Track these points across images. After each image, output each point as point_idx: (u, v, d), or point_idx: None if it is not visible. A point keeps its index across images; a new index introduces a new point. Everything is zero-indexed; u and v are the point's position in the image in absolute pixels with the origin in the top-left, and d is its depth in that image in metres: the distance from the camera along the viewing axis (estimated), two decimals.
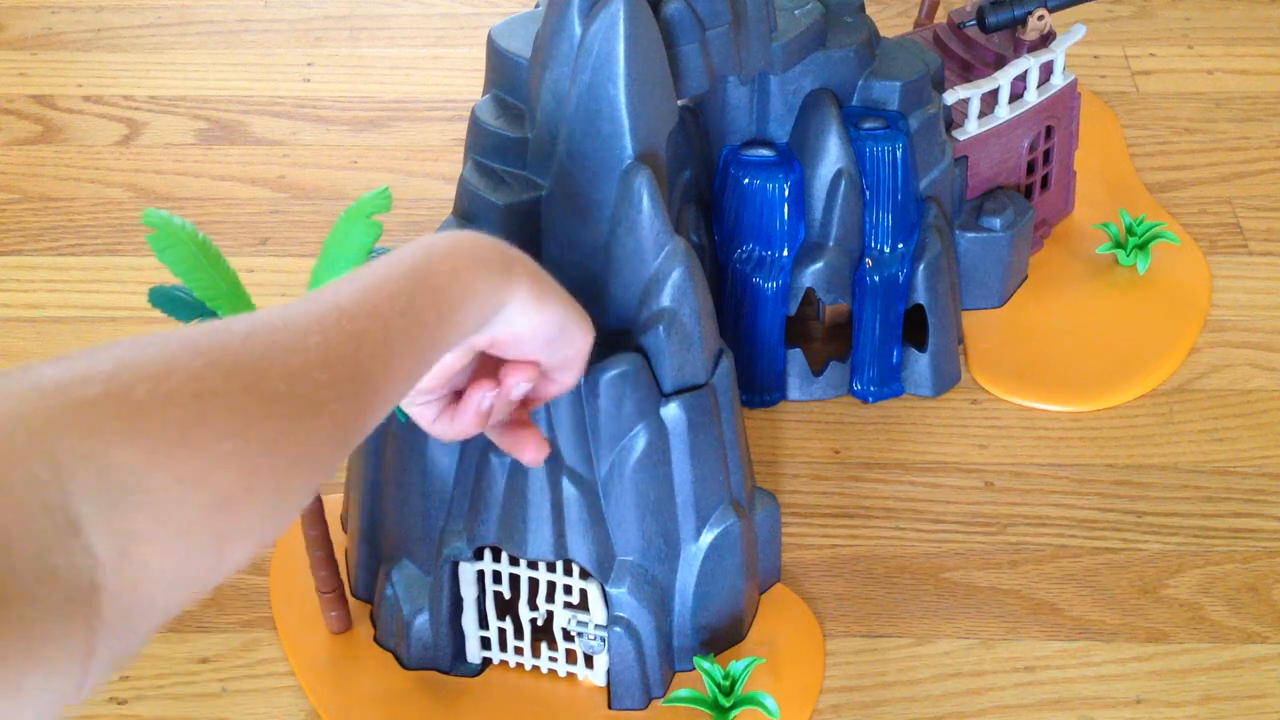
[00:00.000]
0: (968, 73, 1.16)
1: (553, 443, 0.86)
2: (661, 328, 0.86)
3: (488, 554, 0.90)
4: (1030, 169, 1.18)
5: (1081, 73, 1.33)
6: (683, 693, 0.90)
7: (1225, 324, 1.16)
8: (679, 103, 0.93)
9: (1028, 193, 1.19)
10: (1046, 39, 1.16)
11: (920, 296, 1.09)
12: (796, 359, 1.10)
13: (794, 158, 1.06)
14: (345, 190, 1.29)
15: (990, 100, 1.13)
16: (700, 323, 0.88)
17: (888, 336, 1.09)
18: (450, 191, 1.29)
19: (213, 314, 0.86)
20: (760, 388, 1.10)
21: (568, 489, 0.87)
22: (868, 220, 1.06)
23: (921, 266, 1.08)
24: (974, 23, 1.16)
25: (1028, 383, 1.12)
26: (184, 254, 0.85)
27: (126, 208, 1.27)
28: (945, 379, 1.11)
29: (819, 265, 1.06)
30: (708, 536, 0.90)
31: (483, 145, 0.92)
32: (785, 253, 1.06)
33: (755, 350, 1.09)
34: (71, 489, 0.46)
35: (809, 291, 1.07)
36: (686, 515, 0.90)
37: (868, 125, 1.05)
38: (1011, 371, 1.13)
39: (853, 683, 0.94)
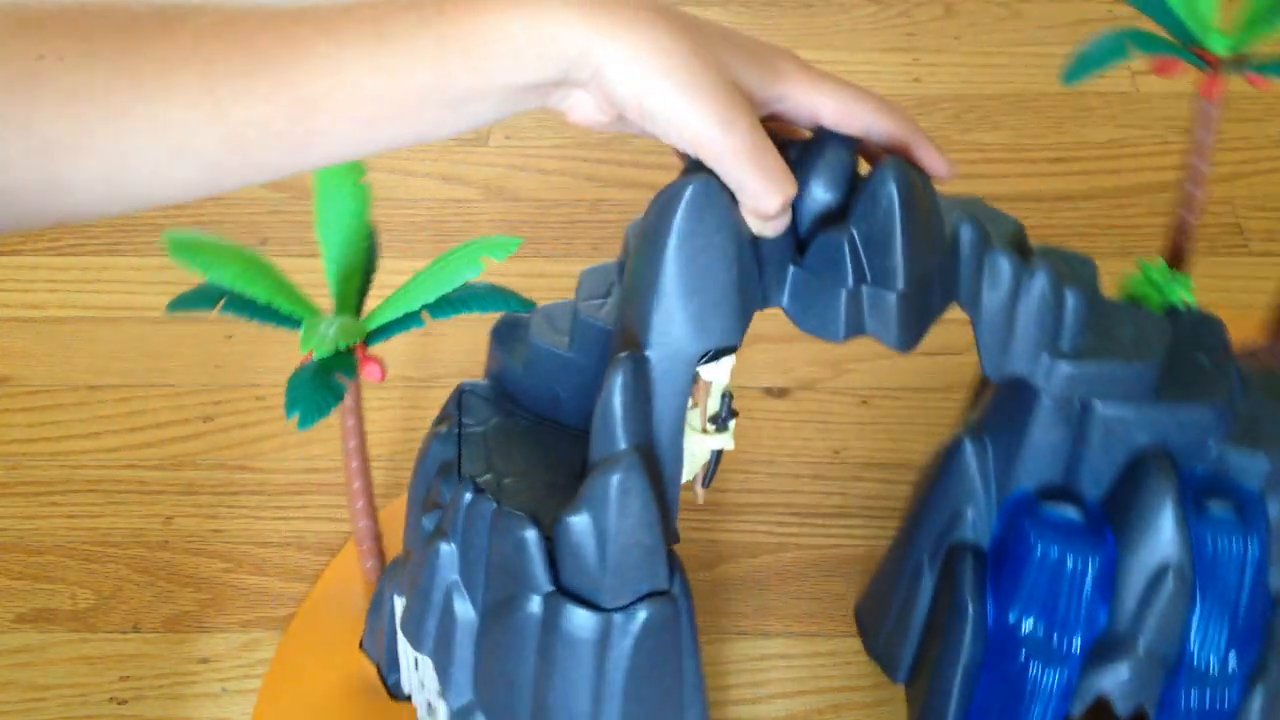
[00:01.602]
0: None
1: (460, 555, 0.78)
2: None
3: None
4: None
5: None
6: None
7: None
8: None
9: None
10: None
11: None
12: None
13: (1107, 526, 0.81)
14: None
15: None
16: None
17: None
18: (450, 192, 1.28)
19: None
20: None
21: (458, 606, 0.78)
22: (1193, 623, 0.81)
23: (1259, 692, 0.81)
24: None
25: None
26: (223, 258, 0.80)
27: None
28: None
29: (1120, 668, 0.81)
30: None
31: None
32: (1078, 641, 0.82)
33: None
34: None
35: (1100, 697, 0.83)
36: None
37: (1213, 507, 0.80)
38: None
39: (853, 683, 0.94)
